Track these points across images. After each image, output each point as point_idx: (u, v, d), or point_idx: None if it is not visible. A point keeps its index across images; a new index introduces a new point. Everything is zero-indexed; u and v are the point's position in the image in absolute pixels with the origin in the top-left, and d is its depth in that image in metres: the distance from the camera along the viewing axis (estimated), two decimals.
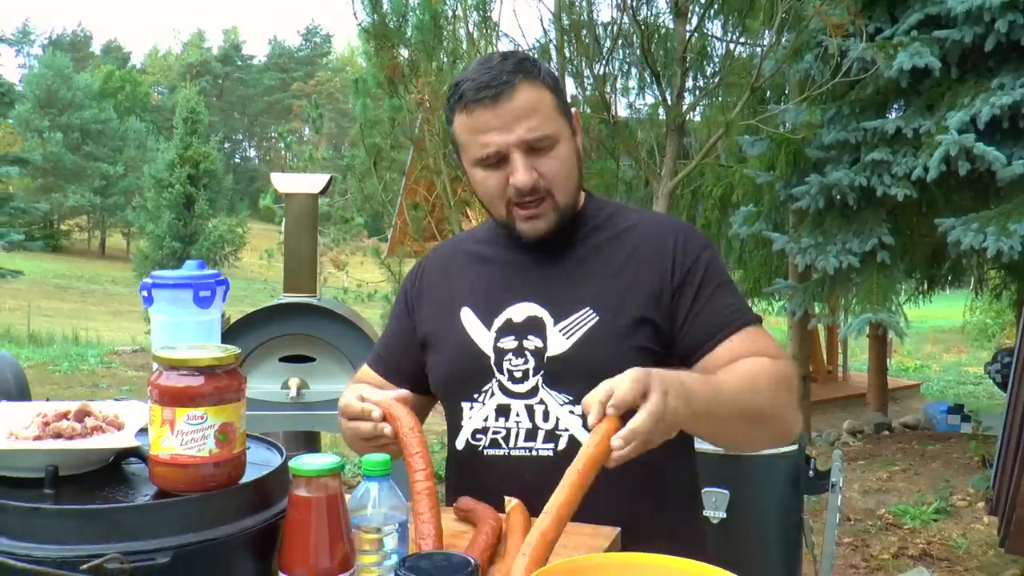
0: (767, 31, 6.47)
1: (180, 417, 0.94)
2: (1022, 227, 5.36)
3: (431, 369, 1.57)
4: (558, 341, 1.46)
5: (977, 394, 11.02)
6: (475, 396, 1.50)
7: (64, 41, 73.45)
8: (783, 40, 6.24)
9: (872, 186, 6.19)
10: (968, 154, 5.55)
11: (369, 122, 5.88)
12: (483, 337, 1.51)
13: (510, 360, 1.47)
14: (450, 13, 5.84)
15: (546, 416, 1.45)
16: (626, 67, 7.21)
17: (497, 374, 1.48)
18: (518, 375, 1.47)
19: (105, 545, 0.88)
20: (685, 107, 6.57)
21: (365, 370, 1.67)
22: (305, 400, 3.72)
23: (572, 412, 1.44)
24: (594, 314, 1.45)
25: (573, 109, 1.52)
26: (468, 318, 1.53)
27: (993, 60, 6.00)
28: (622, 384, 1.17)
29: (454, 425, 1.54)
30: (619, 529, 1.34)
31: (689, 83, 7.15)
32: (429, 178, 6.15)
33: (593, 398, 1.18)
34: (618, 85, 7.06)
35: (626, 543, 1.33)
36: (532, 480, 1.41)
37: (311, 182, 3.87)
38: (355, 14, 5.78)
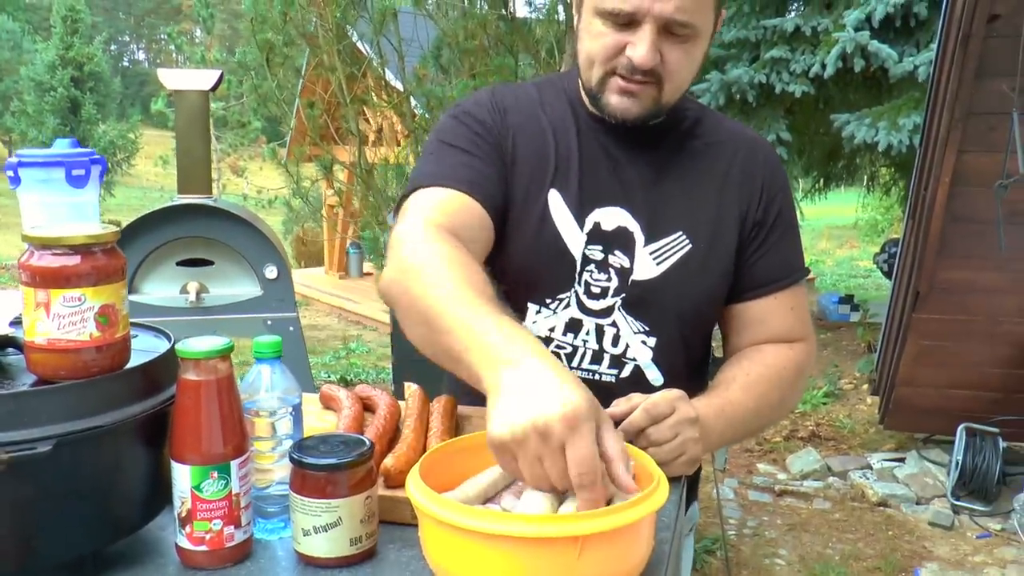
0: None
1: (55, 299, 0.89)
2: (910, 122, 5.53)
3: (505, 248, 1.34)
4: (647, 265, 1.36)
5: (866, 286, 11.52)
6: (547, 302, 1.37)
7: None
8: None
9: (771, 83, 6.27)
10: (863, 51, 5.66)
11: (260, 18, 5.62)
12: (574, 237, 1.35)
13: (591, 272, 1.35)
14: None
15: (615, 341, 1.37)
16: None
17: (576, 284, 1.36)
18: (596, 291, 1.36)
19: None
20: None
21: (453, 198, 1.28)
22: (205, 304, 3.64)
23: (644, 343, 1.37)
24: (687, 241, 1.37)
25: (723, 10, 1.35)
26: (557, 206, 1.35)
27: None
28: (662, 429, 1.17)
29: None
30: None
31: None
32: (324, 76, 5.94)
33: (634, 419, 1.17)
34: None
35: None
36: None
37: (201, 78, 3.70)
38: None
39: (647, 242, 1.36)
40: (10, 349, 1.03)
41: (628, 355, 1.38)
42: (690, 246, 1.37)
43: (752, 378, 1.34)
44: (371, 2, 5.52)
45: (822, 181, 9.26)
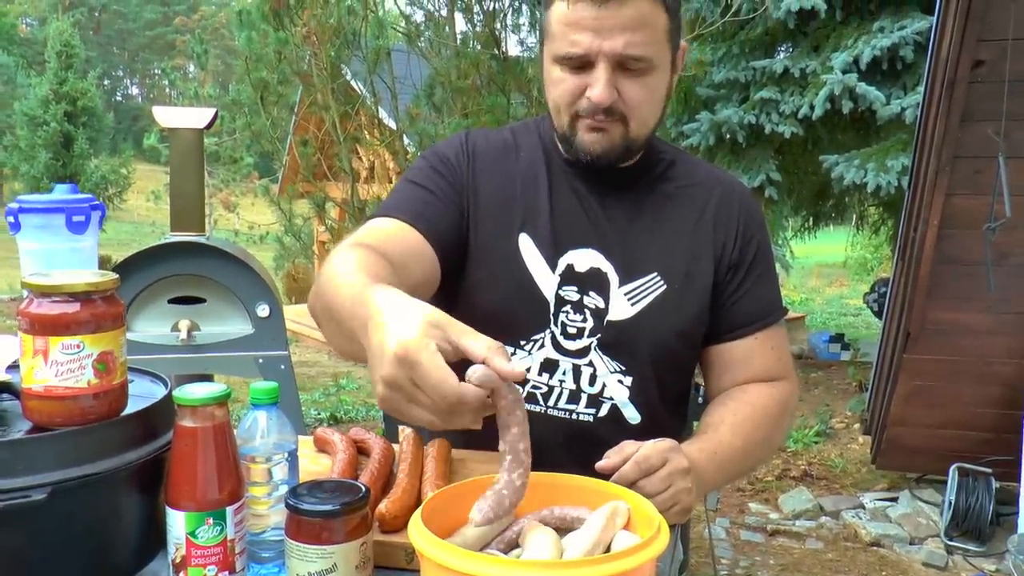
0: None
1: (54, 346, 0.90)
2: (898, 163, 5.60)
3: (476, 292, 1.37)
4: (622, 305, 1.37)
5: (856, 324, 11.56)
6: (523, 343, 1.38)
7: None
8: None
9: (761, 124, 6.35)
10: (851, 93, 5.74)
11: (255, 56, 5.67)
12: (546, 279, 1.37)
13: (567, 313, 1.37)
14: None
15: (592, 380, 1.38)
16: (517, 3, 7.13)
17: (552, 325, 1.37)
18: (572, 331, 1.37)
19: None
20: None
21: (392, 226, 1.32)
22: (196, 342, 3.62)
23: (621, 382, 1.38)
24: (662, 282, 1.38)
25: (683, 43, 1.36)
26: (528, 250, 1.38)
27: (874, 3, 6.21)
28: (654, 481, 1.17)
29: None
30: None
31: None
32: (318, 114, 5.99)
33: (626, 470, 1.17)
34: (508, 22, 6.99)
35: None
36: (561, 442, 1.38)
37: (196, 116, 3.72)
38: None
39: (621, 283, 1.38)
40: (4, 395, 1.03)
41: (605, 394, 1.39)
42: (664, 287, 1.38)
43: (739, 418, 1.35)
44: (365, 41, 5.58)
45: (811, 220, 9.33)
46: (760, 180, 6.45)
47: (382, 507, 1.09)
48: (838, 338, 8.18)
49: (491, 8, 6.09)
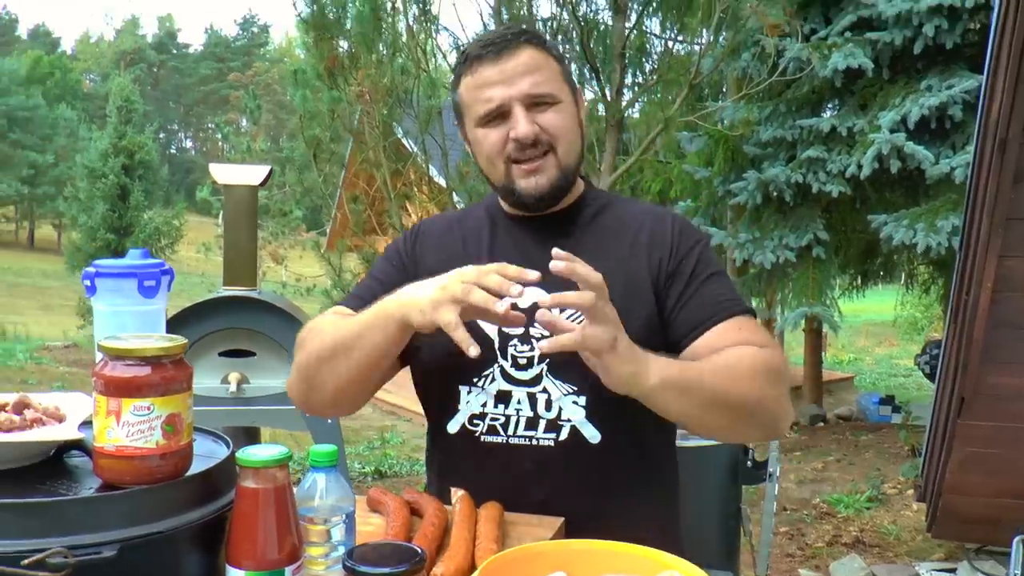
0: (705, 29, 6.55)
1: (126, 408, 0.93)
2: (949, 223, 5.54)
3: (425, 347, 1.49)
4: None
5: (907, 385, 11.34)
6: (475, 380, 1.46)
7: None
8: (721, 38, 6.34)
9: (808, 183, 6.33)
10: (899, 153, 5.72)
11: (308, 114, 5.82)
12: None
13: (515, 346, 1.45)
14: (389, 5, 5.81)
15: (548, 405, 1.44)
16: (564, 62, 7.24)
17: (500, 359, 1.45)
18: (522, 362, 1.45)
19: (48, 539, 0.86)
20: (624, 103, 6.63)
21: (346, 313, 1.50)
22: (245, 395, 3.67)
23: (575, 403, 1.43)
24: None
25: (577, 88, 1.52)
26: None
27: (921, 62, 6.20)
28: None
29: (448, 408, 1.49)
30: (563, 519, 1.36)
31: (628, 79, 7.21)
32: (369, 171, 6.11)
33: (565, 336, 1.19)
34: None
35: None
36: (531, 469, 1.42)
37: (251, 173, 3.82)
38: (294, 4, 5.71)
39: (562, 310, 1.40)
40: (75, 451, 1.06)
41: (563, 417, 1.43)
42: None
43: (714, 357, 1.35)
44: (417, 100, 5.70)
45: (859, 279, 9.23)
46: (807, 239, 6.41)
47: (437, 570, 1.10)
48: (888, 400, 8.03)
49: None
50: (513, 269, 1.23)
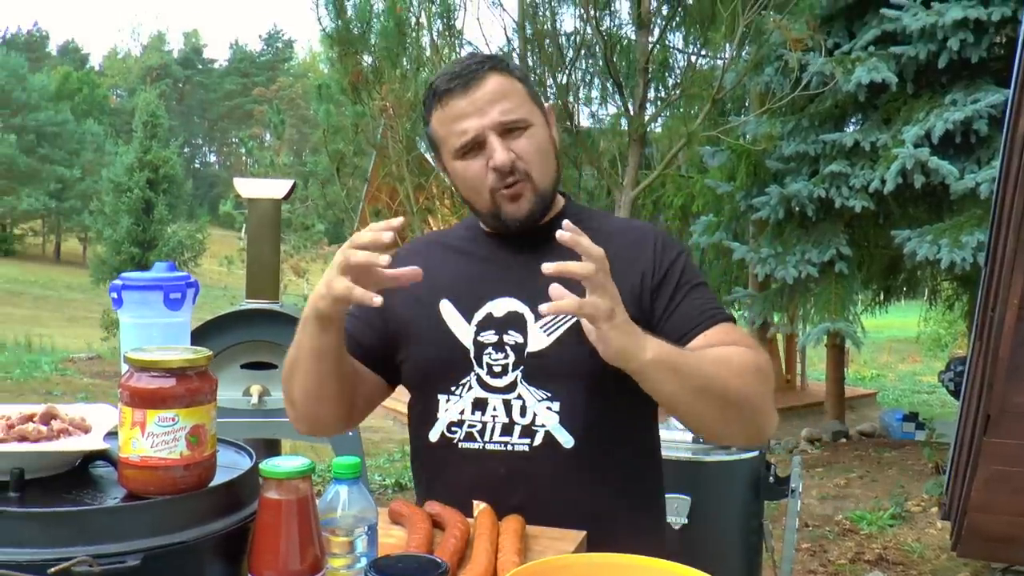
0: (728, 44, 6.56)
1: (151, 419, 0.94)
2: (973, 239, 5.49)
3: (407, 360, 1.56)
4: (538, 338, 1.47)
5: (931, 402, 11.22)
6: (452, 389, 1.50)
7: (19, 41, 72.05)
8: (744, 53, 6.35)
9: (831, 198, 6.30)
10: (923, 167, 5.68)
11: (332, 128, 5.87)
12: (463, 330, 1.51)
13: (490, 354, 1.48)
14: (414, 20, 5.86)
15: (523, 411, 1.46)
16: (589, 77, 7.26)
17: (476, 368, 1.49)
18: (497, 369, 1.48)
19: (73, 548, 0.87)
20: (647, 118, 6.65)
21: None
22: (267, 407, 3.69)
23: (550, 408, 1.45)
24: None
25: (547, 104, 1.54)
26: (448, 311, 1.53)
27: (946, 77, 6.16)
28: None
29: (428, 417, 1.53)
30: (585, 532, 1.36)
31: (651, 94, 7.23)
32: (392, 185, 6.15)
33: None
34: (581, 95, 7.11)
35: (595, 543, 1.35)
36: (506, 474, 1.44)
37: (274, 187, 3.84)
38: (319, 20, 5.77)
39: (537, 318, 1.47)
40: (100, 462, 1.07)
41: (537, 422, 1.46)
42: (577, 317, 1.42)
43: (706, 350, 1.38)
44: None
45: (882, 294, 9.17)
46: (830, 255, 6.38)
47: None
48: (912, 417, 7.95)
49: (564, 81, 6.22)
50: (380, 223, 1.31)
